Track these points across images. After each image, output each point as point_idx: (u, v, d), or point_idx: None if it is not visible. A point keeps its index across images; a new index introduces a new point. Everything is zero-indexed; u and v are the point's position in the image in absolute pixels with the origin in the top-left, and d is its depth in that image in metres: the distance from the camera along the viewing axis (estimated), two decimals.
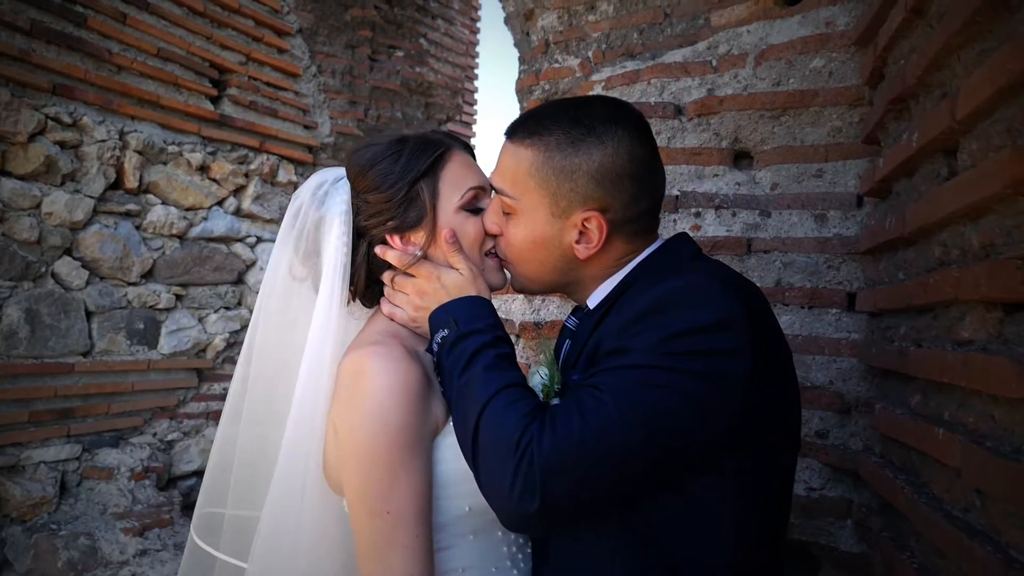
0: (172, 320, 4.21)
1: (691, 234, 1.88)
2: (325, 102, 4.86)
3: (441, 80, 5.26)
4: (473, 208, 1.41)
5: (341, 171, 1.44)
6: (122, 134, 3.83)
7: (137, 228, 3.99)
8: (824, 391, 1.85)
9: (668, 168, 2.08)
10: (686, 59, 2.17)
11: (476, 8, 5.78)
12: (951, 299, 1.20)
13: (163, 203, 4.09)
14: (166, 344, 4.17)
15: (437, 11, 5.26)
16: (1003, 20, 1.06)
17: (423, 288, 1.36)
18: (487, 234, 1.44)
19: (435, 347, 1.31)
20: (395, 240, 1.38)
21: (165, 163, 4.07)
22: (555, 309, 2.21)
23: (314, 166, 4.90)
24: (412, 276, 1.39)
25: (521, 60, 3.15)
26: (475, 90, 5.86)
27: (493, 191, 1.43)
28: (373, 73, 4.97)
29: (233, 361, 4.54)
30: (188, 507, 4.21)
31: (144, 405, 4.10)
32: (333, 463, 1.31)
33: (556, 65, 2.88)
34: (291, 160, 4.72)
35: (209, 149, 4.28)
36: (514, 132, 1.36)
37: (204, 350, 4.38)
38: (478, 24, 5.81)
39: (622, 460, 1.07)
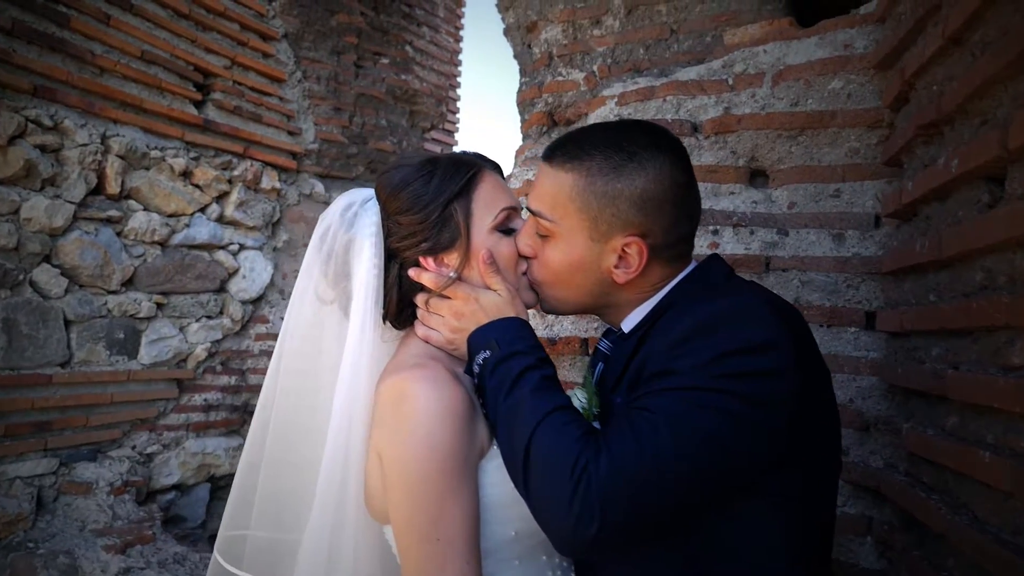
0: (153, 329, 4.10)
1: (709, 251, 1.89)
2: (310, 108, 4.79)
3: (426, 88, 5.23)
4: (505, 229, 1.41)
5: (369, 192, 1.43)
6: (104, 138, 3.73)
7: (118, 235, 3.89)
8: (844, 409, 1.87)
9: None
10: (701, 76, 2.18)
11: (460, 16, 5.76)
12: (1001, 324, 1.21)
13: (145, 209, 3.99)
14: (146, 354, 4.06)
15: (423, 19, 5.23)
16: None
17: (460, 310, 1.34)
18: (520, 255, 1.44)
19: (476, 368, 1.29)
20: (428, 262, 1.37)
21: (147, 168, 3.97)
22: (569, 325, 2.21)
23: (298, 173, 4.83)
24: (447, 298, 1.38)
25: (522, 72, 3.14)
26: (458, 99, 5.84)
27: (529, 213, 1.43)
28: (358, 80, 4.92)
29: (215, 371, 4.45)
30: (169, 522, 4.10)
31: (123, 417, 3.98)
32: (376, 490, 1.28)
33: (560, 78, 2.87)
34: (275, 166, 4.64)
35: (192, 154, 4.19)
36: (553, 155, 1.36)
37: (185, 360, 4.27)
38: (461, 32, 5.79)
39: (677, 483, 1.07)
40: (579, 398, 1.40)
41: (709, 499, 1.12)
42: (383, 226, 1.38)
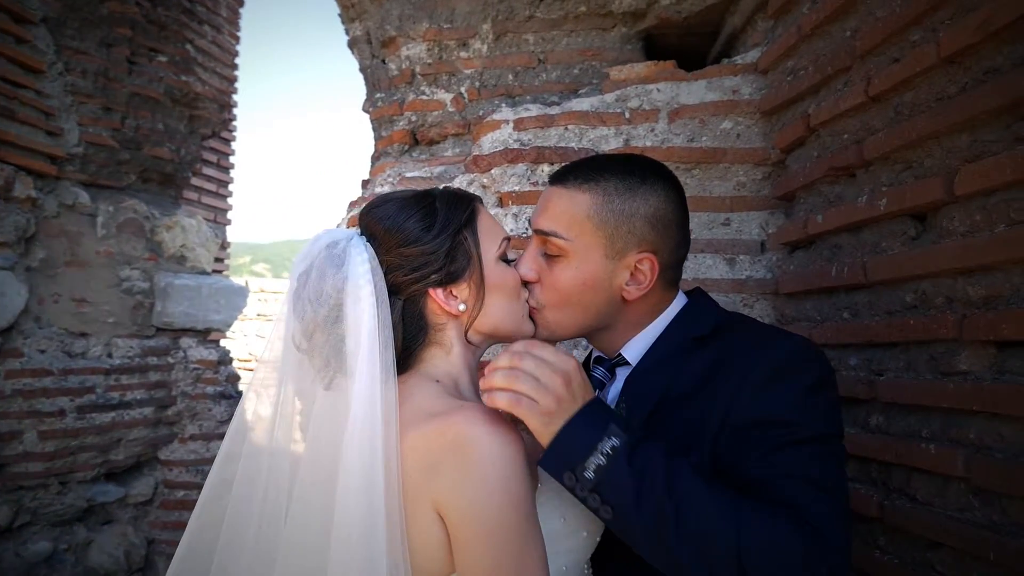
0: None
1: None
2: (73, 106, 4.13)
3: (208, 92, 4.77)
4: (506, 259, 1.44)
5: (347, 230, 1.37)
6: None
7: None
8: None
9: None
10: (595, 108, 2.31)
11: (239, 17, 5.34)
12: (949, 338, 1.47)
13: None
14: None
15: (204, 16, 4.77)
16: (1005, 121, 1.36)
17: (560, 394, 1.13)
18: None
19: (601, 460, 1.10)
20: (438, 294, 1.33)
21: None
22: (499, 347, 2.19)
23: (58, 180, 4.14)
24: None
25: (374, 87, 3.03)
26: (235, 104, 5.41)
27: (538, 234, 1.45)
28: (132, 77, 4.34)
29: None
30: None
31: None
32: (429, 548, 1.19)
33: (424, 97, 2.83)
34: (30, 171, 3.93)
35: None
36: (566, 178, 1.44)
37: None
38: (239, 33, 5.38)
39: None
40: None
41: None
42: (382, 262, 1.31)
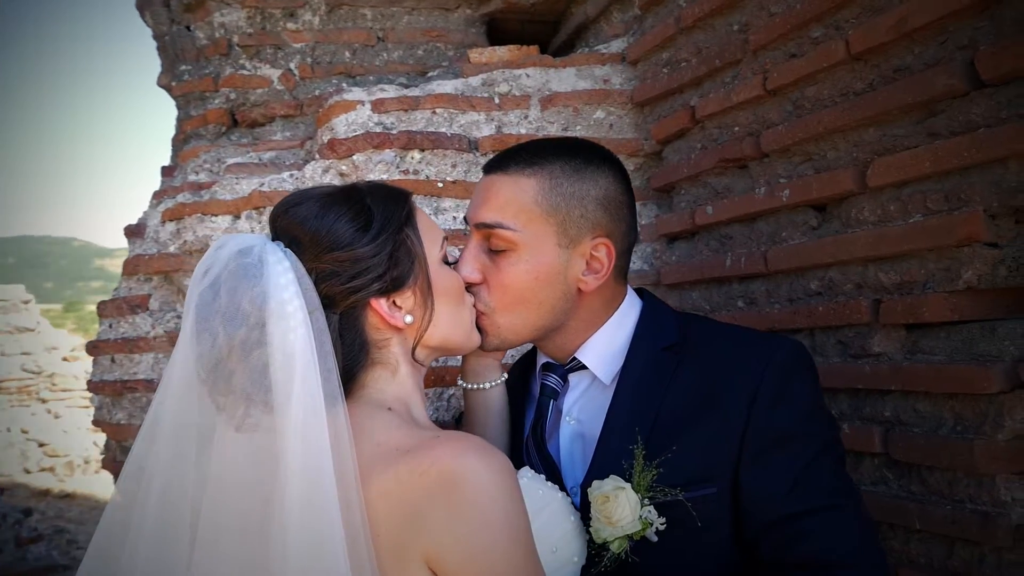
0: None
1: None
2: None
3: None
4: (446, 261, 1.30)
5: (258, 235, 1.16)
6: None
7: None
8: None
9: (465, 201, 2.05)
10: (459, 91, 2.14)
11: None
12: (863, 322, 1.54)
13: None
14: None
15: None
16: (916, 117, 1.45)
17: None
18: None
19: None
20: (380, 304, 1.16)
21: None
22: None
23: None
24: None
25: (178, 58, 2.56)
26: None
27: (479, 229, 1.31)
28: None
29: None
30: None
31: None
32: None
33: (245, 72, 2.44)
34: None
35: None
36: (506, 165, 1.36)
37: None
38: None
39: None
40: (628, 503, 1.17)
41: None
42: (309, 270, 1.11)
